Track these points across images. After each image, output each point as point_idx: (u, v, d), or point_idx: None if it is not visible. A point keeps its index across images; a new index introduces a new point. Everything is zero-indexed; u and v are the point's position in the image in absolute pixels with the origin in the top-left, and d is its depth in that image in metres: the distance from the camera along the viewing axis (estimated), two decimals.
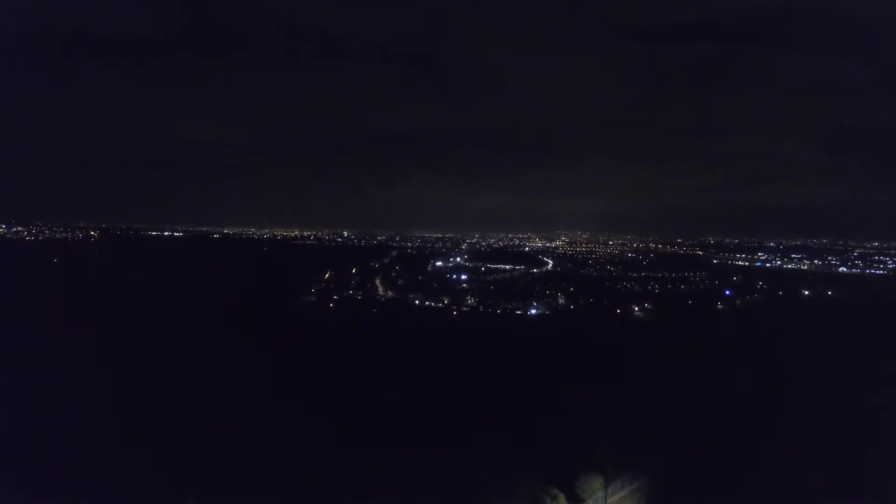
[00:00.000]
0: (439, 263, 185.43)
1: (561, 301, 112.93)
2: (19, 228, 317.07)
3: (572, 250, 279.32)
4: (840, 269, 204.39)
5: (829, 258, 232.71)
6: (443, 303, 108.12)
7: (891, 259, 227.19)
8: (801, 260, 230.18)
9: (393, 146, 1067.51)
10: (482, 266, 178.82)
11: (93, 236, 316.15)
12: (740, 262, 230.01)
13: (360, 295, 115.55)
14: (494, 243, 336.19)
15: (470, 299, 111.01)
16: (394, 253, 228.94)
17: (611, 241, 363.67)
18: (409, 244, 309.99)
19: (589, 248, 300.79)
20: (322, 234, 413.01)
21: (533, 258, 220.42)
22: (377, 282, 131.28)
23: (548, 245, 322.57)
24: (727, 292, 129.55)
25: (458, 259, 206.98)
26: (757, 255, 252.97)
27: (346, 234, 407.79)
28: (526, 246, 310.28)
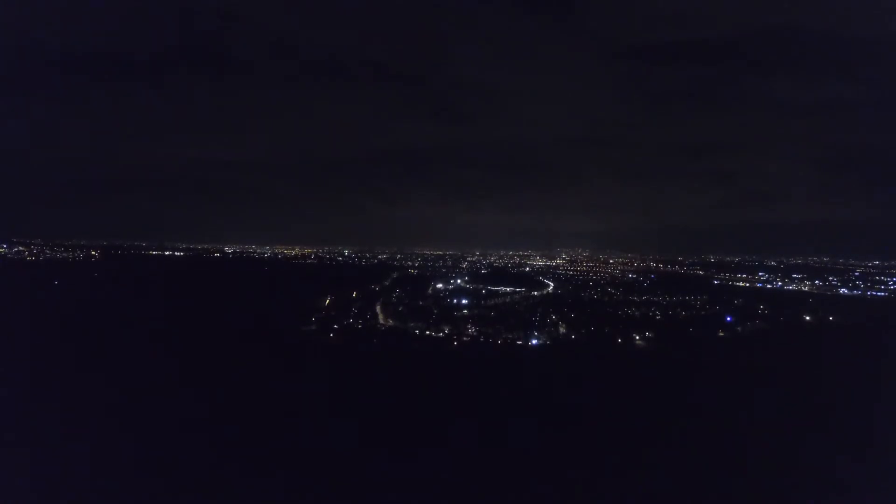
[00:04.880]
0: (440, 286, 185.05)
1: (562, 330, 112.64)
2: (20, 248, 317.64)
3: (573, 270, 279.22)
4: (841, 291, 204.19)
5: (830, 278, 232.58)
6: (443, 332, 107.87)
7: (892, 280, 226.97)
8: (801, 280, 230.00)
9: (392, 164, 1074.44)
10: (483, 289, 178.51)
11: (94, 256, 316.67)
12: (741, 283, 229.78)
13: (360, 324, 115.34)
14: (495, 262, 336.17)
15: (470, 328, 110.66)
16: (394, 274, 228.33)
17: (611, 259, 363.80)
18: (410, 263, 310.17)
19: (589, 267, 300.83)
20: (322, 252, 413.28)
21: (533, 279, 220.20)
22: (377, 309, 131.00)
23: (549, 264, 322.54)
24: (728, 318, 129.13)
25: (459, 281, 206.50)
26: (758, 275, 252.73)
27: (346, 252, 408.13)
28: (526, 266, 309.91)
